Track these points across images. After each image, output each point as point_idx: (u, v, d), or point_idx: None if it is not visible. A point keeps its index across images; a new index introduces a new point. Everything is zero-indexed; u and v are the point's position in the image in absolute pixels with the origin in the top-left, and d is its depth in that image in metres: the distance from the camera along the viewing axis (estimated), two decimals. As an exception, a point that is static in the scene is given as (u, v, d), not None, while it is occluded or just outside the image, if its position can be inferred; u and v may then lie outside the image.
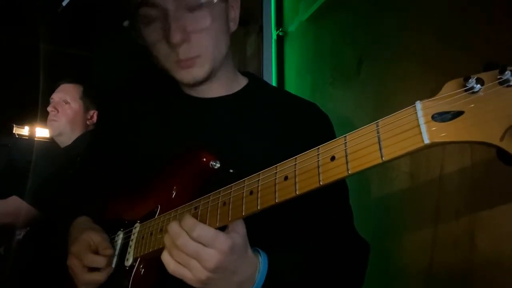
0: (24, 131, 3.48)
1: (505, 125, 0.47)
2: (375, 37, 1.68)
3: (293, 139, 1.01)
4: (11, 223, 2.15)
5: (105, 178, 1.15)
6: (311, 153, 0.66)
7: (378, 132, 0.58)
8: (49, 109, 2.37)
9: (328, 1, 2.00)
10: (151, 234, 0.91)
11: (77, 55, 3.87)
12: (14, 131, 3.46)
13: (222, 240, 0.75)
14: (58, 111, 2.36)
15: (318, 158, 0.65)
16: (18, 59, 3.32)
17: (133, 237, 0.97)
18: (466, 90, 0.51)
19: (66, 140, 2.35)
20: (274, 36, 2.49)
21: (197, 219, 0.79)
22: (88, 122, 2.42)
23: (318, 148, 0.66)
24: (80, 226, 1.04)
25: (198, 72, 1.00)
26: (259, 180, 0.73)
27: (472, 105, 0.50)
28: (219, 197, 0.79)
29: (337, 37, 1.96)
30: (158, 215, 0.94)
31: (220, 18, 1.02)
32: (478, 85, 0.49)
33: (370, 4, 1.74)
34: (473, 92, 0.50)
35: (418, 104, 0.54)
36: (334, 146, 0.63)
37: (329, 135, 1.07)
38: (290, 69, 2.41)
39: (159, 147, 1.05)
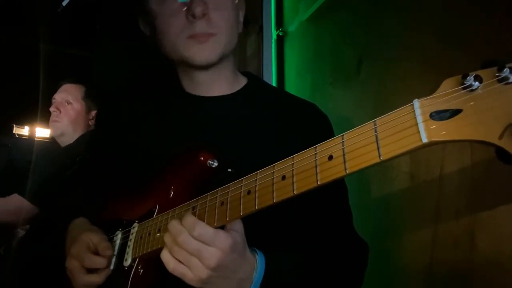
0: (24, 131, 3.48)
1: (504, 123, 0.47)
2: (375, 37, 1.67)
3: (293, 140, 1.01)
4: (12, 222, 2.15)
5: (104, 178, 1.15)
6: (308, 152, 0.66)
7: (375, 131, 0.57)
8: (51, 109, 2.38)
9: (328, 1, 2.00)
10: (150, 234, 0.91)
11: (77, 55, 3.87)
12: (14, 131, 3.46)
13: (223, 239, 0.75)
14: (60, 112, 2.36)
15: (315, 157, 0.64)
16: (18, 59, 3.32)
17: (132, 237, 0.97)
18: (464, 88, 0.50)
19: (68, 140, 2.35)
20: (274, 36, 2.49)
21: None
22: (90, 123, 2.42)
23: (316, 147, 0.65)
24: (78, 228, 1.04)
25: (211, 50, 1.00)
26: (256, 179, 0.72)
27: (471, 103, 0.50)
28: (216, 197, 0.79)
29: (337, 37, 1.95)
30: (156, 215, 0.94)
31: (235, 11, 1.06)
32: (477, 83, 0.49)
33: (370, 4, 1.74)
34: (472, 90, 0.49)
35: (416, 103, 0.54)
36: (331, 146, 0.63)
37: (328, 135, 1.06)
38: (290, 69, 2.41)
39: (159, 147, 1.05)
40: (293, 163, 0.67)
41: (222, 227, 0.78)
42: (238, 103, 1.09)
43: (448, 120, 0.51)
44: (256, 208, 0.71)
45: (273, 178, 0.69)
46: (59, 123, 2.35)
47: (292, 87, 2.35)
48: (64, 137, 2.36)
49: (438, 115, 0.52)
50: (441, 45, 1.31)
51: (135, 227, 0.98)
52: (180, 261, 0.77)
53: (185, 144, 0.96)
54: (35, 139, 3.35)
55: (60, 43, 3.63)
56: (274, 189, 0.69)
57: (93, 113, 2.43)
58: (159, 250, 0.82)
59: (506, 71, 0.47)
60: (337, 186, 1.04)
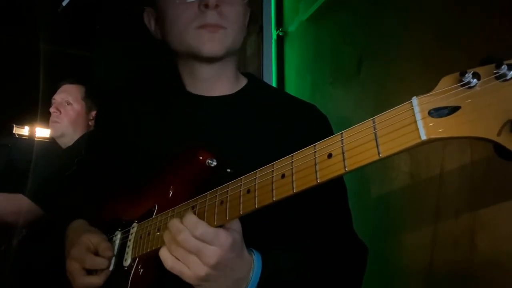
0: (24, 131, 3.48)
1: (502, 120, 0.47)
2: (375, 37, 1.68)
3: (292, 140, 1.01)
4: (14, 221, 2.15)
5: (103, 178, 1.15)
6: (307, 150, 0.66)
7: (375, 129, 0.57)
8: (51, 110, 2.37)
9: (328, 1, 2.00)
10: (149, 233, 0.91)
11: (77, 55, 3.87)
12: (14, 131, 3.46)
13: (224, 237, 0.75)
14: (60, 112, 2.35)
15: (315, 155, 0.64)
16: (18, 59, 3.32)
17: (131, 237, 0.97)
18: (462, 85, 0.50)
19: (68, 141, 2.34)
20: (274, 36, 2.50)
21: None
22: (90, 123, 2.41)
23: (315, 145, 0.65)
24: (77, 229, 1.04)
25: (219, 42, 1.01)
26: (256, 178, 0.72)
27: (469, 100, 0.50)
28: (216, 196, 0.79)
29: (337, 37, 1.96)
30: (155, 214, 0.94)
31: (245, 11, 1.08)
32: (475, 80, 0.49)
33: (370, 4, 1.74)
34: (470, 87, 0.49)
35: (415, 100, 0.54)
36: (330, 144, 0.63)
37: (328, 136, 1.06)
38: (290, 69, 2.41)
39: (158, 146, 1.05)
40: (292, 162, 0.67)
41: (221, 227, 0.78)
42: (239, 103, 1.09)
43: (447, 117, 0.51)
44: (256, 206, 0.71)
45: (273, 176, 0.69)
46: (59, 124, 2.35)
47: (292, 87, 2.35)
48: (64, 138, 2.36)
49: (436, 112, 0.52)
50: (441, 45, 1.31)
51: (135, 227, 0.98)
52: (178, 259, 0.77)
53: (185, 144, 0.96)
54: (35, 139, 3.36)
55: (60, 43, 3.63)
56: (274, 187, 0.69)
57: (93, 113, 2.42)
58: (159, 249, 0.82)
59: (504, 68, 0.47)
60: (336, 185, 1.04)
